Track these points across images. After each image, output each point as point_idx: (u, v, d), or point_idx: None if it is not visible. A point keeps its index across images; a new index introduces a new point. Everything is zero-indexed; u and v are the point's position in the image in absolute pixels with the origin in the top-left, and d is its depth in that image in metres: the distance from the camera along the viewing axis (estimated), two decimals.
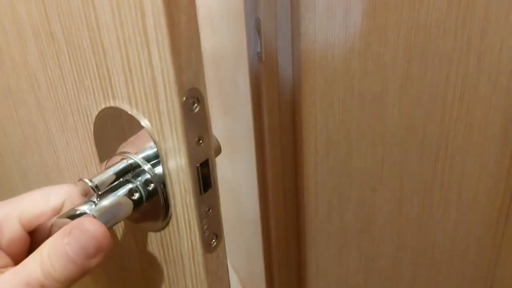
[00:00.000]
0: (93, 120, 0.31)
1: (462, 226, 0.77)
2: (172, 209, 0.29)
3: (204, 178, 0.27)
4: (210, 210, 0.28)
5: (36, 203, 0.27)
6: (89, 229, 0.24)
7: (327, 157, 0.73)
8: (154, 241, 0.32)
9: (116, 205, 0.27)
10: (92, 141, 0.32)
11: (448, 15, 0.64)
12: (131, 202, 0.28)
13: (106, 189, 0.27)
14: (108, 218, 0.26)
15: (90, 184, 0.26)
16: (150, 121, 0.27)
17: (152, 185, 0.28)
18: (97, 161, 0.33)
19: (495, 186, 0.74)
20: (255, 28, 0.65)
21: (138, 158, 0.28)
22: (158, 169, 0.28)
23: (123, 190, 0.28)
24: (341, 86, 0.68)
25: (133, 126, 0.28)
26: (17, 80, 0.37)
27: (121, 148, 0.30)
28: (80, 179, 0.27)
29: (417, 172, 0.74)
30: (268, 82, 0.68)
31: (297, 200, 0.76)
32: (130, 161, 0.28)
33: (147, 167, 0.28)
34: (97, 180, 0.27)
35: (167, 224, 0.30)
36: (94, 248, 0.24)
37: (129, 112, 0.28)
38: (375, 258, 0.81)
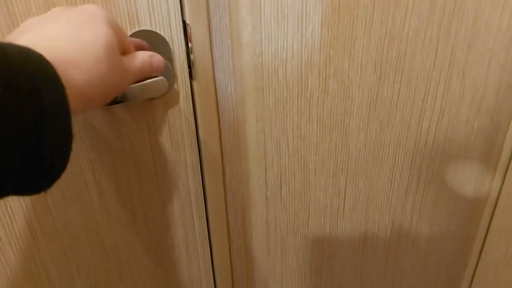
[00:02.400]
0: None
1: (432, 258, 0.68)
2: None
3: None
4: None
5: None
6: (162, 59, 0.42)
7: (280, 190, 0.60)
8: None
9: None
10: None
11: (430, 22, 0.50)
12: None
13: None
14: None
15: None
16: (165, 33, 0.47)
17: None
18: None
19: (471, 215, 0.65)
20: (183, 35, 0.48)
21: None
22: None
23: None
24: (296, 108, 0.54)
25: (153, 37, 0.47)
26: None
27: None
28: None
29: (385, 205, 0.62)
30: (203, 104, 0.53)
31: (245, 240, 0.64)
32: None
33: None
34: None
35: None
36: (161, 67, 0.41)
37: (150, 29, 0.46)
38: None
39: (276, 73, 0.52)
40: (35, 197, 0.50)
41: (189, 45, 0.49)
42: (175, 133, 0.53)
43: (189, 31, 0.48)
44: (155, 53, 0.41)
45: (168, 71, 0.49)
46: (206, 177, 0.57)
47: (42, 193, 0.28)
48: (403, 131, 0.57)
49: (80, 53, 0.29)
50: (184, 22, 0.48)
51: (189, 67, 0.50)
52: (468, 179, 0.61)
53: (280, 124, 0.55)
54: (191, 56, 0.50)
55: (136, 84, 0.45)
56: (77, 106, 0.29)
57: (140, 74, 0.39)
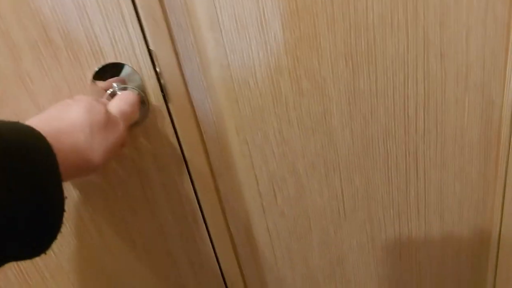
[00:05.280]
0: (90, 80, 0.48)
1: (450, 247, 0.65)
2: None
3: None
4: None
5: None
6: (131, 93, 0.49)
7: (275, 198, 0.60)
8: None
9: None
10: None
11: (394, 6, 0.49)
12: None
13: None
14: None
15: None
16: (131, 63, 0.48)
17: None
18: None
19: (482, 199, 0.61)
20: (150, 62, 0.50)
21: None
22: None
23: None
24: (274, 114, 0.54)
25: (120, 69, 0.49)
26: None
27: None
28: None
29: (386, 198, 0.60)
30: (183, 124, 0.54)
31: (252, 252, 0.63)
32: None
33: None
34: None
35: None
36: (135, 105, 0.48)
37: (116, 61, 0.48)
38: None
39: (247, 83, 0.52)
40: None
41: (157, 70, 0.50)
42: (161, 157, 0.54)
43: (154, 56, 0.49)
44: (123, 94, 0.48)
45: (142, 99, 0.50)
46: (199, 195, 0.58)
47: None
48: (390, 121, 0.55)
49: (68, 126, 0.39)
50: (149, 49, 0.49)
51: (162, 91, 0.51)
52: (470, 160, 0.58)
53: (261, 133, 0.55)
54: (162, 80, 0.51)
55: None
56: (69, 170, 0.35)
57: (127, 121, 0.46)
